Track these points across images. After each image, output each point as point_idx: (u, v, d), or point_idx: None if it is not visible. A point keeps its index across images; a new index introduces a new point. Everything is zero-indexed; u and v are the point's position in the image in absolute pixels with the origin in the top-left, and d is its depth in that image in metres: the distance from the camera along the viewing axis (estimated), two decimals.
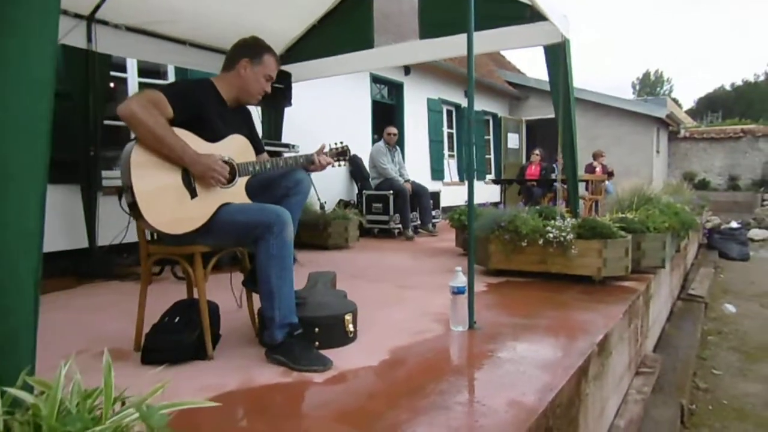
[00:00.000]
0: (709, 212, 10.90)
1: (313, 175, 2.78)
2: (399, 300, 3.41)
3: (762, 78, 52.47)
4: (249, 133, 2.55)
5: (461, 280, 2.63)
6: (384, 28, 5.29)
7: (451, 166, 11.18)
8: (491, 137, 13.23)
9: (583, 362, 2.25)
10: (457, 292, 2.63)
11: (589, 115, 13.06)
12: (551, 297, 3.44)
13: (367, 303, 3.16)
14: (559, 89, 4.22)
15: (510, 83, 13.75)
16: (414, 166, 9.00)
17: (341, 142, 2.67)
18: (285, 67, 5.61)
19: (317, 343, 2.35)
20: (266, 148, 5.00)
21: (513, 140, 13.18)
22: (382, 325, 2.79)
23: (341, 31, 5.33)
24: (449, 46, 4.55)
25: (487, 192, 10.73)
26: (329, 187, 7.45)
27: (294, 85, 5.68)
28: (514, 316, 2.99)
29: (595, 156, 10.70)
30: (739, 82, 54.70)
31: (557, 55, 4.18)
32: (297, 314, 2.28)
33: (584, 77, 76.68)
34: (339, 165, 2.68)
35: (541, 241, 3.78)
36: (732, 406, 3.59)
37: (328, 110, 7.53)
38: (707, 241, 9.27)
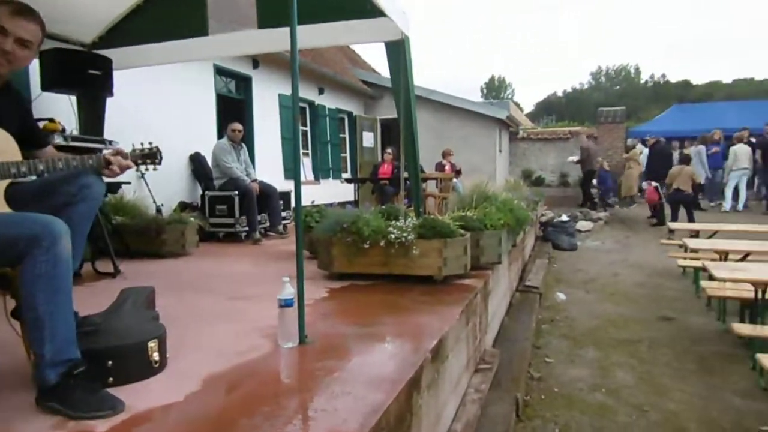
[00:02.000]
0: (544, 207, 11.89)
1: (149, 175, 2.34)
2: (228, 314, 3.07)
3: (587, 86, 59.44)
4: (20, 122, 2.06)
5: (289, 292, 2.38)
6: (220, 14, 4.86)
7: (305, 165, 10.92)
8: (347, 135, 13.20)
9: (414, 373, 2.13)
10: (285, 305, 2.38)
11: (439, 115, 13.60)
12: (393, 300, 3.34)
13: (190, 320, 2.79)
14: (400, 87, 4.16)
15: (365, 82, 13.83)
16: (265, 165, 8.60)
17: (150, 143, 2.27)
18: (105, 52, 4.94)
19: (111, 379, 1.95)
20: (76, 144, 4.37)
21: (368, 139, 13.28)
22: (201, 347, 2.44)
23: (171, 15, 4.80)
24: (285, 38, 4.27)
25: (342, 191, 10.65)
26: (168, 188, 6.79)
27: (122, 74, 5.03)
28: (352, 325, 2.82)
29: (445, 154, 11.12)
30: (569, 89, 61.42)
31: (397, 53, 4.11)
32: (83, 346, 1.87)
33: (443, 78, 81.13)
34: (146, 170, 2.29)
35: (383, 243, 3.67)
36: (562, 393, 3.79)
37: (166, 103, 6.85)
38: (543, 233, 10.08)
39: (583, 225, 11.12)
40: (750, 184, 12.97)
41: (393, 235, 3.64)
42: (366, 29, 4.17)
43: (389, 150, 9.89)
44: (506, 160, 16.31)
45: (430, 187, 10.01)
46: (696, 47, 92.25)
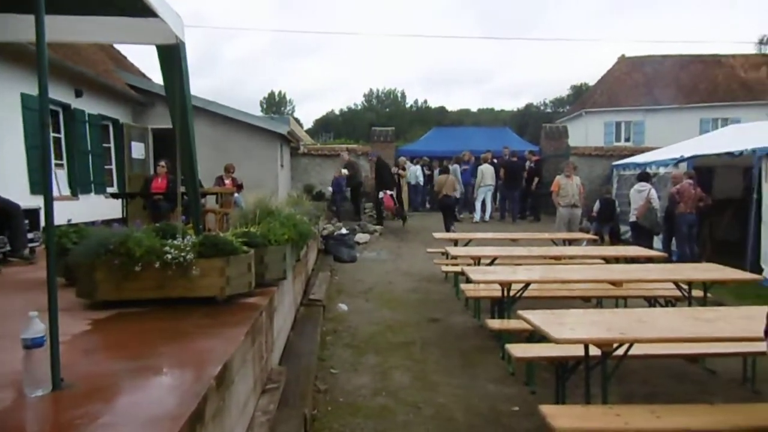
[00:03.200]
0: (325, 220, 12.29)
1: None
2: None
3: (361, 107, 63.51)
4: None
5: (37, 329, 2.00)
6: None
7: (60, 178, 9.47)
8: (112, 145, 11.84)
9: (197, 405, 1.96)
10: (33, 344, 1.99)
11: (219, 127, 13.09)
12: (171, 327, 3.06)
13: None
14: (175, 95, 3.87)
15: (133, 87, 12.61)
16: (3, 177, 7.21)
17: None
18: None
19: None
20: None
21: (138, 150, 12.11)
22: None
23: None
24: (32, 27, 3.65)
25: (107, 208, 9.49)
26: None
27: None
28: (122, 359, 2.50)
29: (227, 169, 10.73)
30: (345, 108, 64.90)
31: (171, 58, 3.82)
32: None
33: (222, 91, 78.43)
34: None
35: (158, 264, 3.34)
36: (347, 402, 3.91)
37: None
38: (324, 246, 10.38)
39: (361, 237, 11.75)
40: (494, 199, 15.27)
41: (169, 255, 3.34)
42: (135, 29, 3.78)
43: (163, 162, 9.16)
44: (288, 175, 16.46)
45: (210, 202, 9.54)
46: (450, 77, 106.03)
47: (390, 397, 4.01)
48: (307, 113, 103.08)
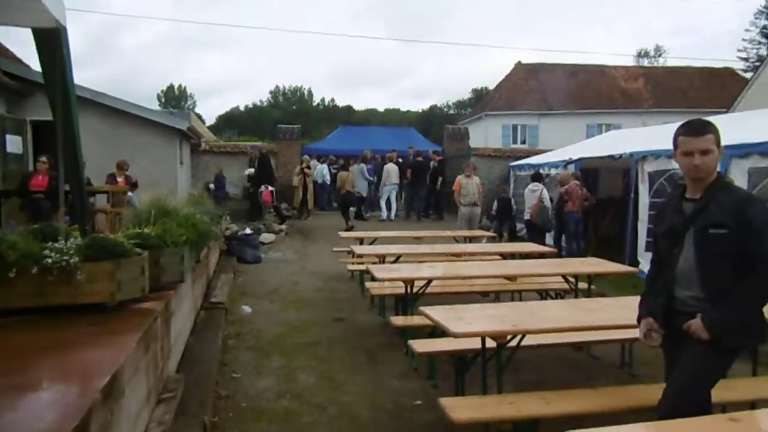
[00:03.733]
0: (228, 220, 11.88)
1: None
2: None
3: (266, 103, 62.17)
4: None
5: None
6: None
7: None
8: None
9: (80, 420, 1.82)
10: None
11: (111, 121, 12.20)
12: (53, 337, 2.82)
13: None
14: (55, 85, 3.56)
15: (8, 74, 11.44)
16: None
17: None
18: None
19: None
20: None
21: (14, 144, 11.01)
22: None
23: None
24: None
25: None
26: None
27: None
28: None
29: (119, 166, 10.06)
30: (251, 105, 63.20)
31: (51, 44, 3.51)
32: None
33: (115, 82, 73.02)
34: None
35: (36, 269, 3.06)
36: (250, 406, 3.81)
37: None
38: (227, 247, 10.04)
39: (266, 237, 11.49)
40: (399, 197, 15.56)
41: (50, 260, 3.07)
42: (9, 9, 3.44)
43: (44, 158, 8.41)
44: (188, 173, 15.73)
45: (101, 201, 8.89)
46: (358, 77, 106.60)
47: (295, 399, 3.96)
48: (210, 109, 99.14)
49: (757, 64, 26.28)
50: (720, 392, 2.74)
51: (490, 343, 3.20)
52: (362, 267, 6.82)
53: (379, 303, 6.26)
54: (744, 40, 38.23)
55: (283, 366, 4.63)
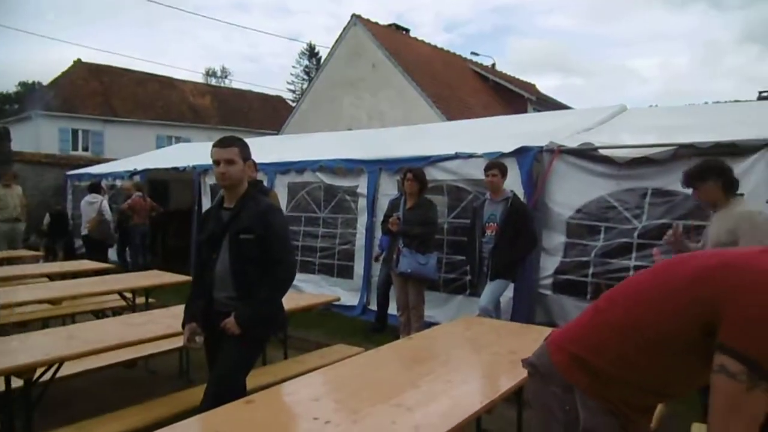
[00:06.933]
0: None
1: None
2: None
3: None
4: None
5: None
6: None
7: None
8: None
9: None
10: None
11: None
12: None
13: None
14: None
15: None
16: None
17: None
18: None
19: None
20: None
21: None
22: None
23: None
24: None
25: None
26: None
27: None
28: None
29: None
30: None
31: None
32: None
33: None
34: None
35: None
36: None
37: None
38: None
39: None
40: None
41: None
42: None
43: None
44: None
45: None
46: None
47: None
48: None
49: (298, 96, 31.64)
50: (257, 378, 3.08)
51: (17, 382, 2.71)
52: None
53: None
54: (292, 74, 45.70)
55: None
